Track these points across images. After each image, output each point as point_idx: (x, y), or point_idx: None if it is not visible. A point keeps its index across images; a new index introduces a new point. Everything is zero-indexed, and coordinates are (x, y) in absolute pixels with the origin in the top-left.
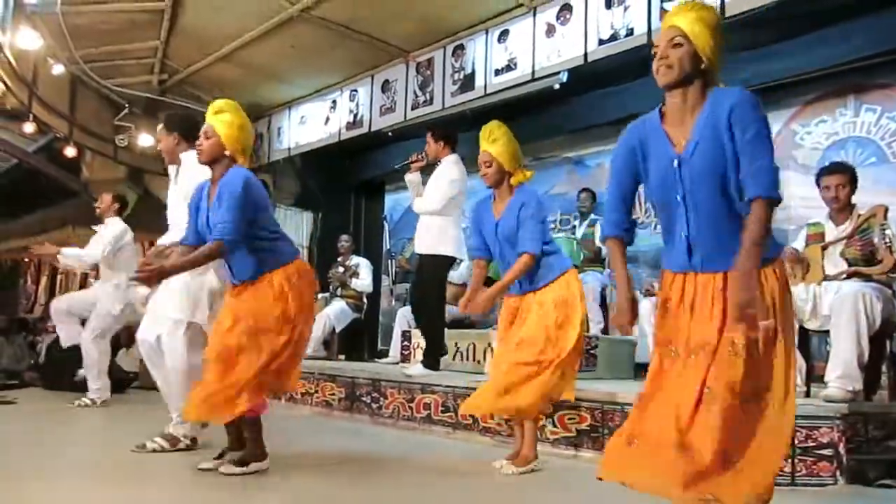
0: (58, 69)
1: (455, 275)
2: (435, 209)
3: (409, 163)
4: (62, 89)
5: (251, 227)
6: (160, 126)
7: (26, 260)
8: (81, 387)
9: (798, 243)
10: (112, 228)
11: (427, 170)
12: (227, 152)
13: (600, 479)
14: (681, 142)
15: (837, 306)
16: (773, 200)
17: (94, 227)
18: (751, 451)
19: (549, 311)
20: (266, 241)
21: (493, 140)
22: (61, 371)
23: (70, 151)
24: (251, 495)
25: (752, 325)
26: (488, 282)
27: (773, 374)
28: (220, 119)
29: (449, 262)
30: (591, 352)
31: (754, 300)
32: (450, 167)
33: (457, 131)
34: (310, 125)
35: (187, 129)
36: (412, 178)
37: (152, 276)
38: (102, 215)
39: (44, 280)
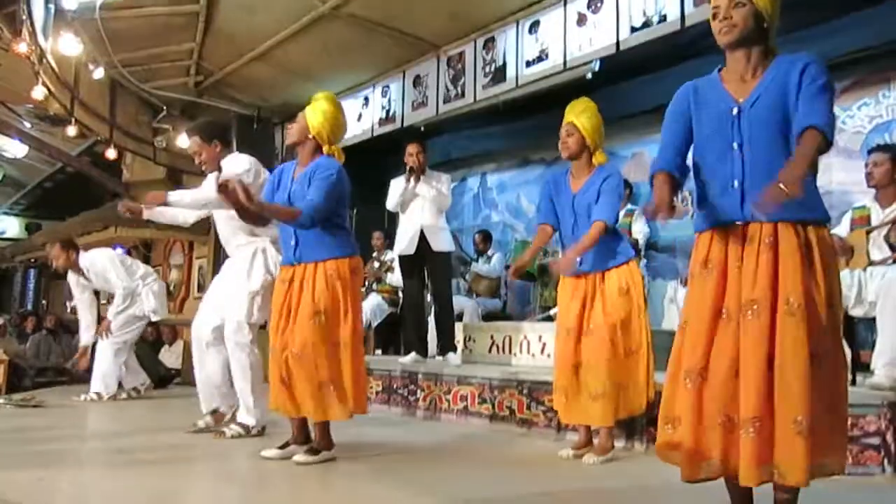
0: (98, 73)
1: (486, 268)
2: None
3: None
4: (102, 93)
5: (333, 213)
6: (194, 138)
7: None
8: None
9: (842, 227)
10: None
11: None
12: (310, 135)
13: (687, 481)
14: (740, 95)
15: (883, 292)
16: (826, 136)
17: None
18: (823, 419)
19: (613, 301)
20: (342, 228)
21: (580, 112)
22: None
23: (111, 153)
24: (319, 484)
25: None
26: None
27: (832, 337)
28: (311, 107)
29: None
30: None
31: (795, 182)
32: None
33: None
34: None
35: (224, 134)
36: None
37: (239, 197)
38: None
39: None
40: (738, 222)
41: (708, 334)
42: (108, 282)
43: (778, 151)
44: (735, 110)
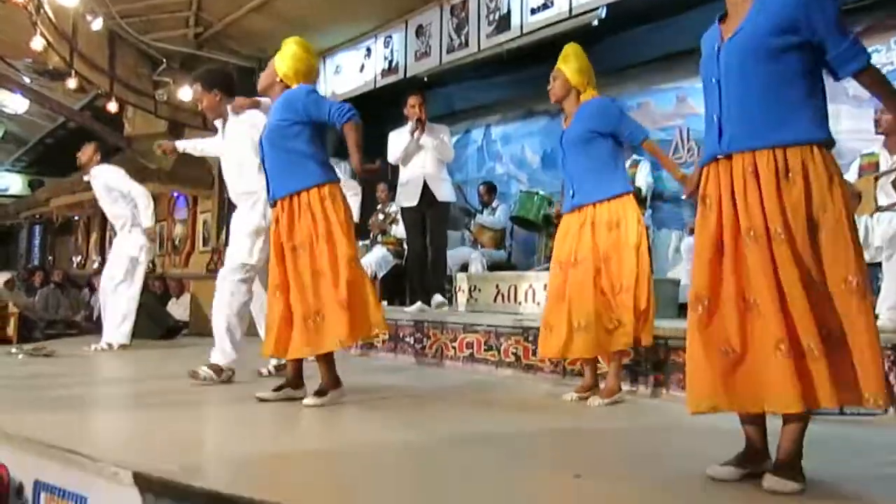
0: (96, 24)
1: (491, 219)
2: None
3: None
4: (101, 45)
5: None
6: (196, 86)
7: (76, 218)
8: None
9: (850, 174)
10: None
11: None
12: (278, 78)
13: (695, 413)
14: (728, 33)
15: (889, 237)
16: (871, 66)
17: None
18: (837, 346)
19: (601, 235)
20: (308, 157)
21: (564, 57)
22: None
23: (112, 107)
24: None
25: None
26: (520, 221)
27: (841, 258)
28: (279, 52)
29: None
30: None
31: None
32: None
33: None
34: (345, 74)
35: (226, 83)
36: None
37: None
38: None
39: (94, 236)
40: (719, 156)
41: (710, 266)
42: (110, 191)
43: (751, 81)
44: (716, 48)
